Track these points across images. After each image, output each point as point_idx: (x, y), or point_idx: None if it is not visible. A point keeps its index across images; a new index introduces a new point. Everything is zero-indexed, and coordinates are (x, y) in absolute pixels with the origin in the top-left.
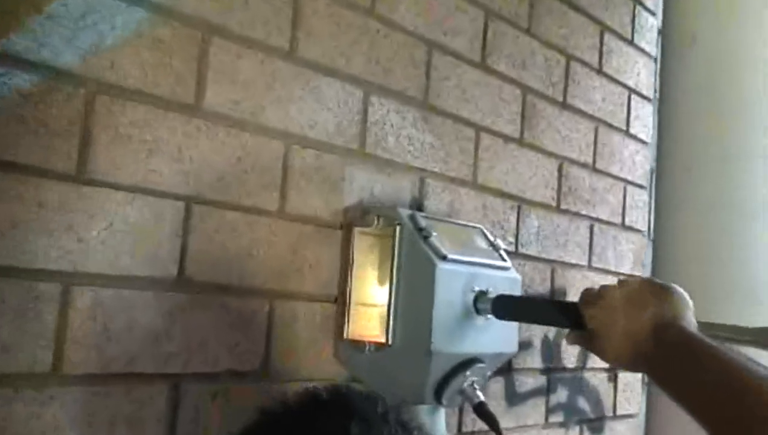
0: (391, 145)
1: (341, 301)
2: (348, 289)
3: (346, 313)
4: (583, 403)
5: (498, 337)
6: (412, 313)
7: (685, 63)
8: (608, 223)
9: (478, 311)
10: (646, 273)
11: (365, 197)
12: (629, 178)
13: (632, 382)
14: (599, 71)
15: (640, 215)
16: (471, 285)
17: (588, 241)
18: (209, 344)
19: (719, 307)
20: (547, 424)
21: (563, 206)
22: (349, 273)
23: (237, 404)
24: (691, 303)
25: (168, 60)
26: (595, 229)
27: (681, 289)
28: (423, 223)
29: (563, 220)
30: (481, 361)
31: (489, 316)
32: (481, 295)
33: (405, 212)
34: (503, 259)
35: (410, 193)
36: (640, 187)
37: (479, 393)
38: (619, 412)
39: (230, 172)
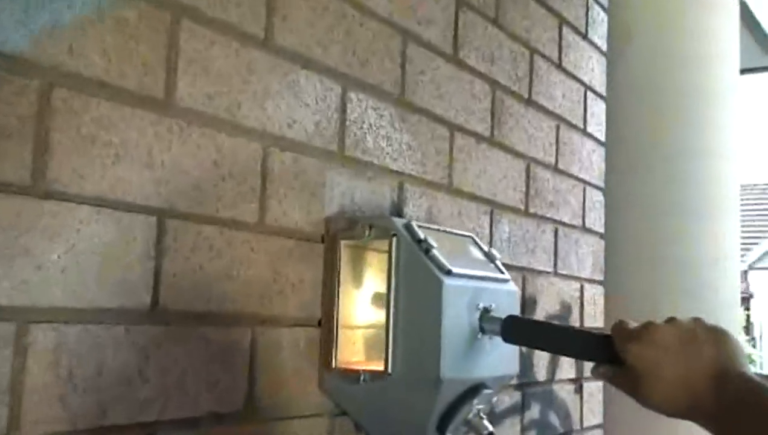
0: (370, 146)
1: (326, 325)
2: (334, 311)
3: (334, 339)
4: (553, 418)
5: (501, 357)
6: (415, 336)
7: (625, 60)
8: (570, 226)
9: (483, 331)
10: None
11: (346, 205)
12: (587, 178)
13: (595, 392)
14: (559, 66)
15: (597, 217)
16: (476, 302)
17: (553, 245)
18: (187, 384)
19: (664, 307)
20: None
21: (531, 210)
22: (336, 292)
23: None
24: (743, 349)
25: (134, 45)
26: (560, 232)
27: (734, 335)
28: (421, 233)
29: (531, 225)
30: (487, 387)
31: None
32: (485, 313)
33: (399, 221)
34: (501, 271)
35: (390, 199)
36: (598, 188)
37: (486, 423)
38: (585, 424)
39: (206, 179)
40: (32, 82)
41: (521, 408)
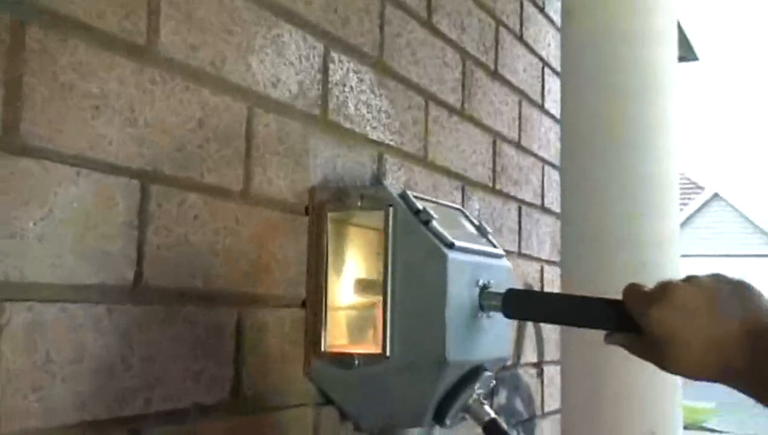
0: (351, 111)
1: (313, 305)
2: (322, 290)
3: (321, 321)
4: (519, 403)
5: (498, 338)
6: (416, 316)
7: (572, 37)
8: (532, 205)
9: (482, 308)
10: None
11: (329, 174)
12: (546, 157)
13: (554, 375)
14: (520, 39)
15: (555, 197)
16: (476, 278)
17: (517, 225)
18: (172, 372)
19: (613, 289)
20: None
21: (498, 187)
22: (323, 269)
23: None
24: None
25: None
26: (523, 212)
27: (757, 287)
28: (419, 204)
29: (498, 202)
30: (486, 370)
31: (491, 314)
32: (483, 290)
33: (394, 190)
34: (495, 246)
35: (370, 170)
36: (555, 167)
37: (488, 409)
38: (546, 409)
39: (191, 140)
40: (3, 16)
41: (491, 393)
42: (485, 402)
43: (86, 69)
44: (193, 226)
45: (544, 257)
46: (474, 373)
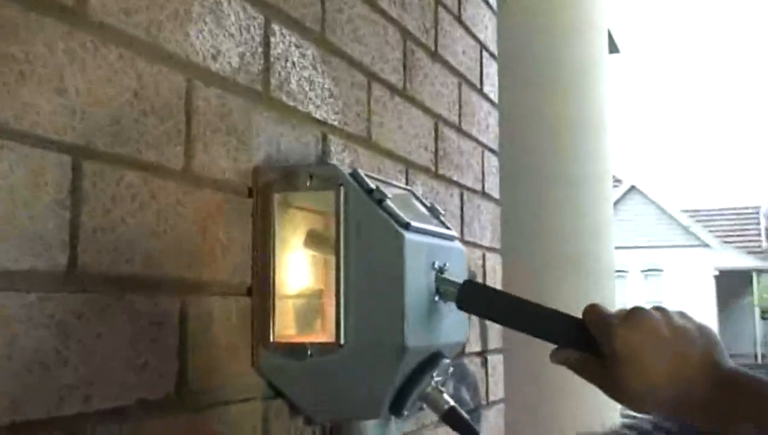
0: (294, 88)
1: (260, 293)
2: (269, 277)
3: (270, 309)
4: (465, 393)
5: (454, 323)
6: (371, 301)
7: (504, 25)
8: (473, 190)
9: (439, 294)
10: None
11: (273, 154)
12: (485, 141)
13: (497, 364)
14: (459, 20)
15: (495, 183)
16: (431, 260)
17: (459, 210)
18: (113, 366)
19: (553, 276)
20: (440, 423)
21: (440, 171)
22: (270, 254)
23: None
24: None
25: None
26: (464, 197)
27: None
28: (371, 183)
29: (441, 187)
30: (444, 356)
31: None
32: (439, 274)
33: (344, 169)
34: (447, 227)
35: (315, 150)
36: (494, 152)
37: (447, 397)
38: (490, 398)
39: (126, 113)
40: None
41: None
42: (443, 390)
43: (9, 29)
44: (131, 206)
45: (485, 244)
46: (432, 359)
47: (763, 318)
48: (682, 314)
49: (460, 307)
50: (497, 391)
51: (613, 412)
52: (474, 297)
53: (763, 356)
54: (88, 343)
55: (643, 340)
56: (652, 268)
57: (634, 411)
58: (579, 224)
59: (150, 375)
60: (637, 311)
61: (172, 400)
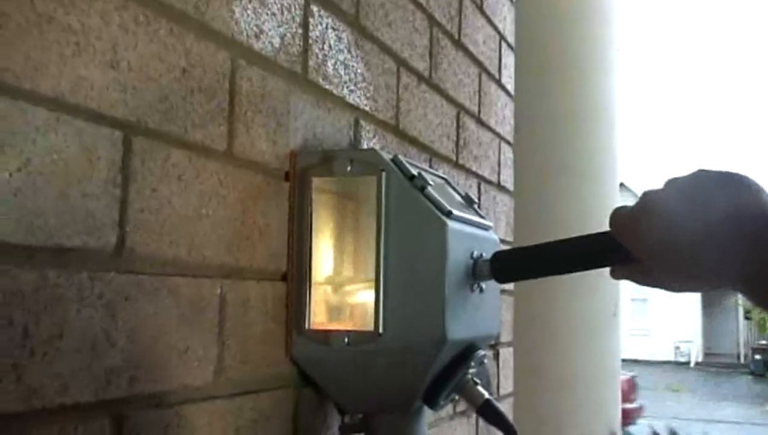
0: (330, 72)
1: (295, 279)
2: (305, 262)
3: (306, 296)
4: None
5: (489, 313)
6: (411, 290)
7: (520, 12)
8: (490, 182)
9: (475, 277)
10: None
11: (309, 139)
12: (502, 133)
13: (508, 358)
14: (481, 9)
15: (509, 174)
16: (470, 249)
17: (478, 202)
18: (157, 350)
19: None
20: (455, 415)
21: (461, 161)
22: (306, 240)
23: None
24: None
25: None
26: (482, 188)
27: (748, 176)
28: (413, 169)
29: (461, 178)
30: (479, 348)
31: (484, 285)
32: (477, 262)
33: (386, 155)
34: (482, 217)
35: (348, 136)
36: (509, 143)
37: (482, 389)
38: (501, 392)
39: (175, 90)
40: None
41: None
42: (478, 382)
43: None
44: (177, 186)
45: (500, 236)
46: (468, 351)
47: (746, 318)
48: (694, 174)
49: (499, 278)
50: (507, 384)
51: (613, 407)
52: (508, 263)
53: (745, 356)
54: (135, 326)
55: (659, 226)
56: None
57: (706, 291)
58: (585, 217)
59: (192, 360)
60: (645, 199)
61: (211, 386)
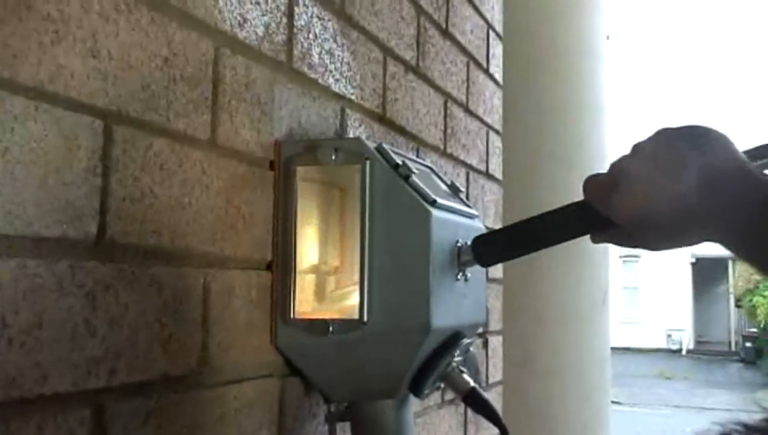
0: (315, 61)
1: (280, 268)
2: (290, 251)
3: (290, 284)
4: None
5: (473, 302)
6: (395, 278)
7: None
8: (478, 171)
9: (460, 264)
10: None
11: (294, 127)
12: (490, 122)
13: (497, 346)
14: None
15: (497, 163)
16: (455, 238)
17: (465, 190)
18: (139, 340)
19: (545, 259)
20: (443, 403)
21: (448, 150)
22: (292, 229)
23: (171, 424)
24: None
25: None
26: (470, 177)
27: (714, 128)
28: (397, 158)
29: (449, 166)
30: (464, 336)
31: (469, 274)
32: (460, 249)
33: (370, 144)
34: (468, 205)
35: (333, 125)
36: (497, 132)
37: (467, 377)
38: (490, 380)
39: (157, 78)
40: None
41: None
42: (464, 370)
43: None
44: (159, 175)
45: (488, 225)
46: (453, 339)
47: (737, 306)
48: (655, 134)
49: (482, 262)
50: (496, 373)
51: (603, 394)
52: (489, 245)
53: (736, 343)
54: (116, 315)
55: (633, 193)
56: (629, 254)
57: (688, 246)
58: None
59: (174, 350)
60: (615, 167)
61: (193, 375)
